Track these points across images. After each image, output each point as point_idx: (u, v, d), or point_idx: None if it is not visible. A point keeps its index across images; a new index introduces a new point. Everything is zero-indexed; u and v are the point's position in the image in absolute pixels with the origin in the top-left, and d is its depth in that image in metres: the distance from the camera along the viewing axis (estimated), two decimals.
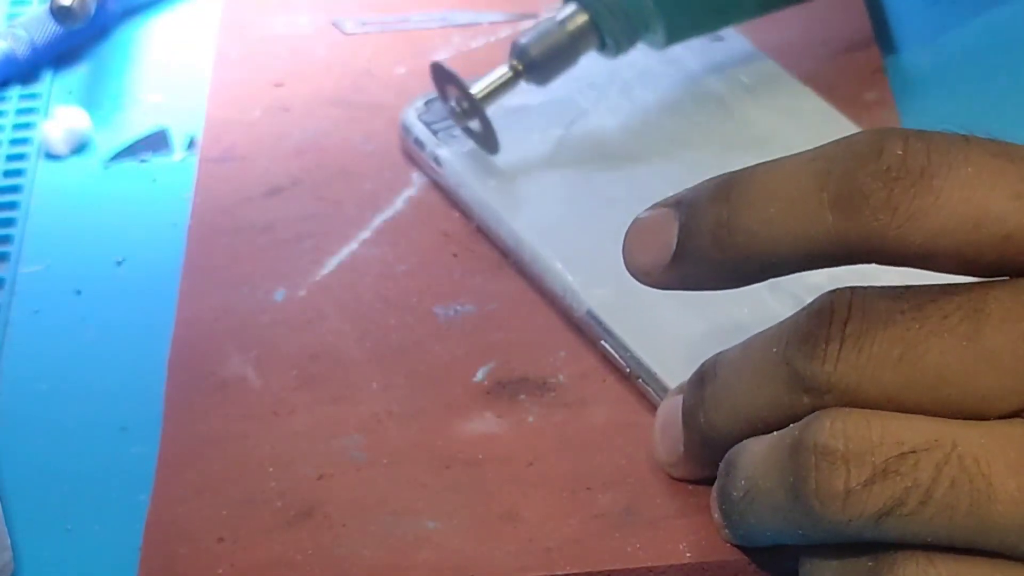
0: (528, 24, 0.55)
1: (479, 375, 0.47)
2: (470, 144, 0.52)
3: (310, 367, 0.47)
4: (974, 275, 0.37)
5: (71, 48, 0.61)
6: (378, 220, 0.52)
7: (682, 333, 0.46)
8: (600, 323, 0.47)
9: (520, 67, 0.51)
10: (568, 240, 0.49)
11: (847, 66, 0.56)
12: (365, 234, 0.52)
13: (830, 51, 0.56)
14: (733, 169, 0.39)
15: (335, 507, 0.43)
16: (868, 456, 0.35)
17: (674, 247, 0.39)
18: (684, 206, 0.39)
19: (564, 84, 0.52)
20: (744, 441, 0.39)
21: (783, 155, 0.38)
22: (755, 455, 0.39)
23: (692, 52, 0.55)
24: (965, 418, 0.36)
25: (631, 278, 0.41)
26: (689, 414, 0.41)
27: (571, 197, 0.51)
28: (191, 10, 0.63)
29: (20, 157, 0.57)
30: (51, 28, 0.60)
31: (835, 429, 0.36)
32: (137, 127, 0.58)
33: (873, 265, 0.37)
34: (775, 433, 0.38)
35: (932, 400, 0.36)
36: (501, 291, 0.49)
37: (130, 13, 0.62)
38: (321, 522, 0.43)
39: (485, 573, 0.42)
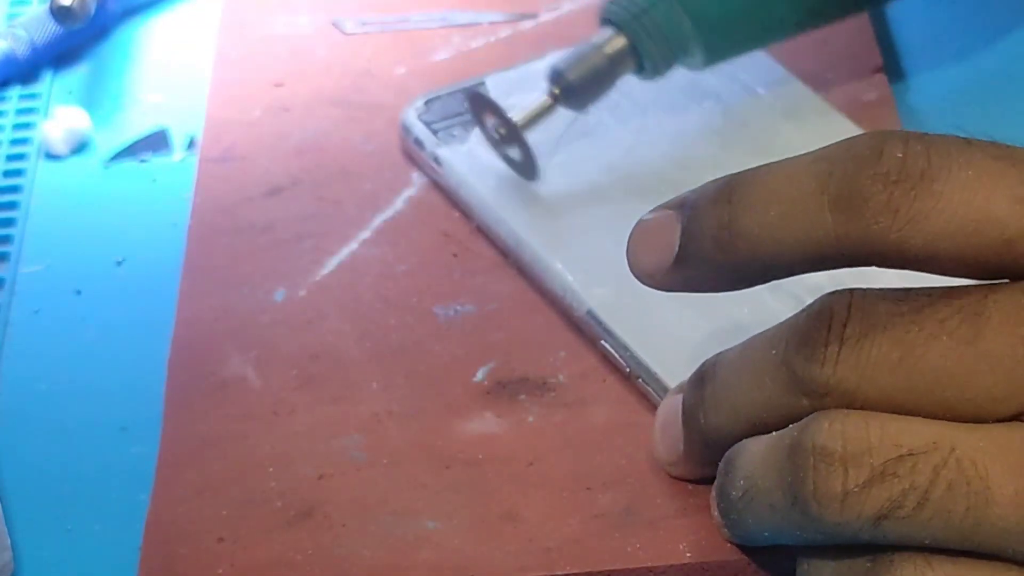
0: (528, 24, 0.55)
1: (479, 375, 0.47)
2: (470, 144, 0.52)
3: (310, 367, 0.47)
4: (974, 278, 0.37)
5: (71, 48, 0.61)
6: (378, 220, 0.52)
7: (682, 333, 0.46)
8: (600, 323, 0.47)
9: (558, 92, 0.50)
10: (568, 240, 0.49)
11: (847, 66, 0.56)
12: (365, 234, 0.52)
13: (830, 51, 0.56)
14: (733, 170, 0.39)
15: (335, 507, 0.43)
16: (866, 458, 0.35)
17: (677, 249, 0.39)
18: (687, 208, 0.39)
19: None
20: (743, 441, 0.39)
21: (784, 156, 0.38)
22: (754, 455, 0.39)
23: None
24: (964, 421, 0.36)
25: (631, 278, 0.41)
26: (689, 414, 0.41)
27: (571, 197, 0.51)
28: (191, 10, 0.63)
29: (20, 157, 0.57)
30: (51, 28, 0.60)
31: (833, 431, 0.36)
32: (137, 127, 0.58)
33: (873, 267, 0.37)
34: (774, 433, 0.38)
35: (931, 403, 0.36)
36: (501, 291, 0.49)
37: (130, 13, 0.62)
38: (321, 522, 0.43)
39: (485, 573, 0.42)
